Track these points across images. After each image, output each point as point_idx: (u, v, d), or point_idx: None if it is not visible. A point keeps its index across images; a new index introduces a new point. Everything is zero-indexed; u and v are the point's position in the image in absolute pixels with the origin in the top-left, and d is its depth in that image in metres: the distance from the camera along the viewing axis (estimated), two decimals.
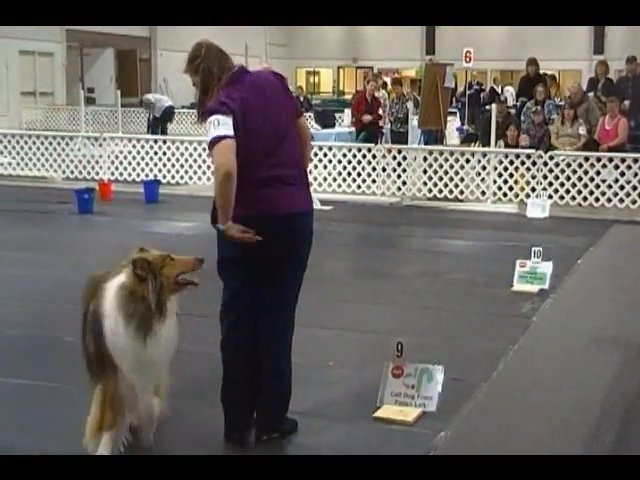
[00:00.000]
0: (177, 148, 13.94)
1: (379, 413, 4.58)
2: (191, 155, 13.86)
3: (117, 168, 14.11)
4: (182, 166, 13.86)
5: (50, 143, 14.45)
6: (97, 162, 14.20)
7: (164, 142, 14.17)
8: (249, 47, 33.50)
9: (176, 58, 25.07)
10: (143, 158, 14.00)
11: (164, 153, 13.93)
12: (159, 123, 19.17)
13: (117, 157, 14.16)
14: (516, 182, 12.51)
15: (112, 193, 12.68)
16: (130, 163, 14.05)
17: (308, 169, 4.20)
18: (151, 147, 14.00)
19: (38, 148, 14.47)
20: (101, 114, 24.06)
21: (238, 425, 4.18)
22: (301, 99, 21.53)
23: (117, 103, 17.43)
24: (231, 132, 3.81)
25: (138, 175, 13.90)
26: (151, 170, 13.92)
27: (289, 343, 4.21)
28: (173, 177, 13.87)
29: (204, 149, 13.84)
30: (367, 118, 14.81)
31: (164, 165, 13.90)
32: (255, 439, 4.18)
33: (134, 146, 14.16)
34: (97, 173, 14.11)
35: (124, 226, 10.54)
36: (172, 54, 29.91)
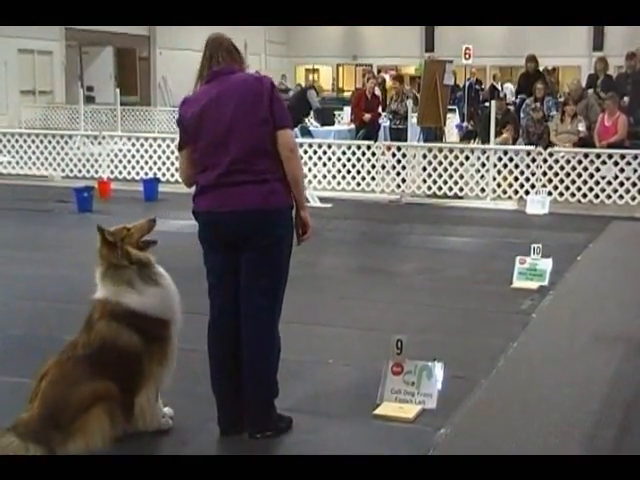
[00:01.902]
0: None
1: (379, 410, 4.58)
2: None
3: (116, 166, 14.11)
4: None
5: (49, 142, 14.44)
6: (96, 160, 14.19)
7: (163, 140, 14.16)
8: (248, 45, 33.47)
9: (175, 56, 25.44)
10: (142, 156, 14.00)
11: (163, 151, 13.92)
12: None
13: (116, 155, 14.16)
14: (505, 179, 12.52)
15: (111, 191, 12.68)
16: (129, 161, 14.05)
17: (296, 178, 4.15)
18: (150, 145, 14.00)
19: (37, 147, 14.47)
20: (100, 112, 24.05)
21: (230, 415, 4.20)
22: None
23: (116, 101, 17.42)
24: (178, 145, 4.25)
25: (137, 173, 13.90)
26: (150, 168, 13.91)
27: (264, 336, 4.14)
28: (172, 175, 13.85)
29: None
30: (367, 117, 14.83)
31: (163, 163, 13.89)
32: (249, 436, 4.17)
33: (133, 144, 14.16)
34: (96, 171, 14.10)
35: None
36: (171, 52, 29.92)
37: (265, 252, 4.07)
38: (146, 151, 13.99)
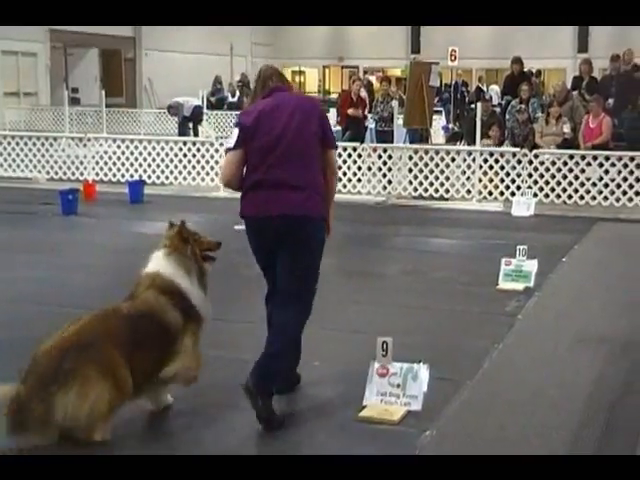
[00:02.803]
0: (162, 148, 13.88)
1: (365, 412, 4.58)
2: (176, 155, 13.81)
3: (102, 168, 14.05)
4: (167, 166, 13.81)
5: (34, 144, 14.36)
6: (81, 163, 14.12)
7: (149, 142, 14.12)
8: (234, 47, 33.50)
9: (161, 58, 25.24)
10: (128, 158, 13.95)
11: (149, 153, 13.87)
12: (188, 122, 19.38)
13: (102, 157, 14.10)
14: (491, 180, 12.56)
15: (96, 194, 12.63)
16: (115, 163, 13.99)
17: (333, 193, 4.74)
18: (136, 147, 13.94)
19: (22, 149, 14.38)
20: (86, 114, 23.96)
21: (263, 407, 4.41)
22: None
23: (102, 103, 17.37)
24: (232, 145, 4.59)
25: (123, 175, 13.85)
26: (136, 170, 13.86)
27: (293, 327, 4.67)
28: (158, 177, 13.82)
29: (189, 149, 13.82)
30: (352, 111, 14.86)
31: (149, 165, 13.85)
32: (276, 392, 4.53)
33: (119, 146, 14.10)
34: (81, 174, 14.03)
35: (108, 227, 10.50)
36: (157, 54, 29.86)
37: (297, 255, 4.55)
38: (132, 153, 13.94)
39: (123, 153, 13.98)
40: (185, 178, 13.77)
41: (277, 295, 4.64)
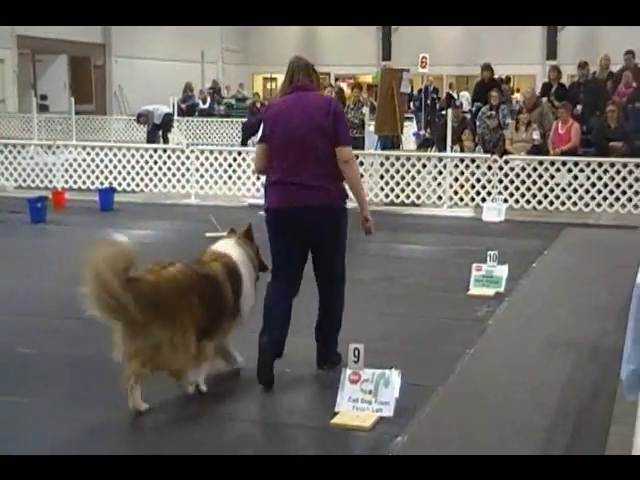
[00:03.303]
0: (132, 155, 13.80)
1: (337, 419, 4.57)
2: (147, 162, 13.73)
3: (71, 176, 13.92)
4: (138, 174, 13.73)
5: (1, 151, 14.19)
6: (50, 170, 13.97)
7: (119, 149, 14.02)
8: (205, 53, 33.41)
9: (131, 65, 25.03)
10: (98, 166, 13.84)
11: (119, 161, 13.78)
12: (158, 130, 19.18)
13: (71, 165, 13.97)
14: (462, 186, 12.64)
15: (66, 202, 12.51)
16: (85, 171, 13.87)
17: (353, 183, 5.23)
18: (106, 154, 13.84)
19: None
20: (55, 121, 23.72)
21: (264, 364, 5.03)
22: (258, 105, 21.47)
23: (71, 110, 17.21)
24: (259, 138, 5.21)
25: (93, 183, 13.74)
26: (106, 178, 13.76)
27: (339, 297, 5.40)
28: (129, 185, 13.72)
29: (160, 156, 13.75)
30: None
31: (119, 173, 13.75)
32: (319, 366, 5.32)
33: (89, 154, 13.99)
34: (50, 181, 13.89)
35: (78, 235, 10.38)
36: (127, 61, 29.69)
37: (322, 242, 5.15)
38: (102, 160, 13.84)
39: (93, 160, 13.87)
40: (156, 185, 13.69)
41: (317, 273, 5.28)
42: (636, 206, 11.86)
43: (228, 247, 5.13)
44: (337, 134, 5.04)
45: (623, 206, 11.97)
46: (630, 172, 11.88)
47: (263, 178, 5.44)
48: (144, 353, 4.50)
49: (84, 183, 13.84)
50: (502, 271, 7.42)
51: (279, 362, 5.31)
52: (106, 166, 13.81)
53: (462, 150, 13.29)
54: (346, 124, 5.29)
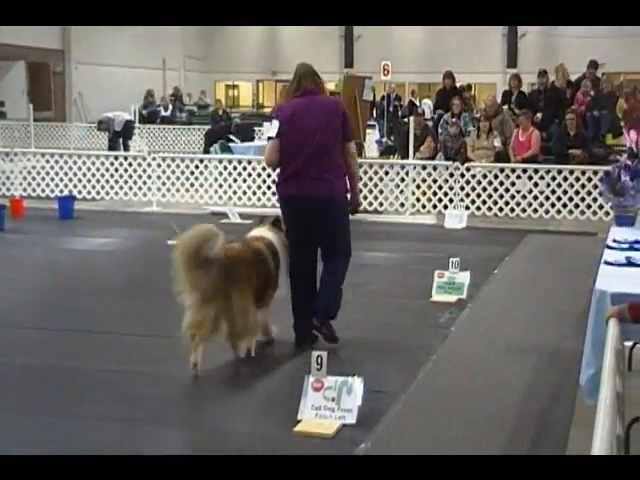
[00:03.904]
0: (93, 163, 13.65)
1: (299, 427, 4.55)
2: (107, 170, 13.60)
3: (30, 184, 13.74)
4: (98, 181, 13.59)
5: None
6: (8, 178, 13.77)
7: (79, 157, 13.87)
8: (167, 60, 33.26)
9: (92, 72, 24.74)
10: (57, 173, 13.67)
11: (79, 168, 13.63)
12: (119, 138, 18.93)
13: (30, 173, 13.79)
14: (424, 193, 12.70)
15: (24, 210, 12.32)
16: (44, 179, 13.70)
17: (355, 175, 6.19)
18: (65, 162, 13.68)
19: None
20: (12, 129, 23.42)
21: (301, 327, 5.98)
22: (220, 112, 21.40)
23: (29, 117, 17.00)
24: (274, 134, 5.83)
25: (52, 191, 13.57)
26: (66, 186, 13.60)
27: (340, 268, 6.04)
28: (89, 193, 13.58)
29: (120, 164, 13.62)
30: None
31: (79, 180, 13.60)
32: (316, 322, 5.94)
33: (48, 161, 13.82)
34: (8, 189, 13.69)
35: (37, 243, 10.25)
36: (87, 67, 29.40)
37: (328, 227, 5.89)
38: (61, 168, 13.67)
39: (52, 168, 13.70)
40: (117, 193, 13.56)
41: (324, 254, 5.97)
42: (595, 212, 12.02)
43: (263, 232, 5.96)
44: (345, 132, 5.90)
45: (582, 213, 12.11)
46: (589, 179, 12.03)
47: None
48: (212, 319, 5.28)
49: (43, 191, 13.66)
50: (464, 278, 7.45)
51: (243, 370, 5.28)
52: (66, 174, 13.65)
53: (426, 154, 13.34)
54: (350, 123, 6.09)
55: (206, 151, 16.89)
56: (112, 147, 18.65)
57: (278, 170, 6.12)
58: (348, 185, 6.03)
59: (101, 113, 20.50)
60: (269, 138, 5.97)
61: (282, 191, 5.96)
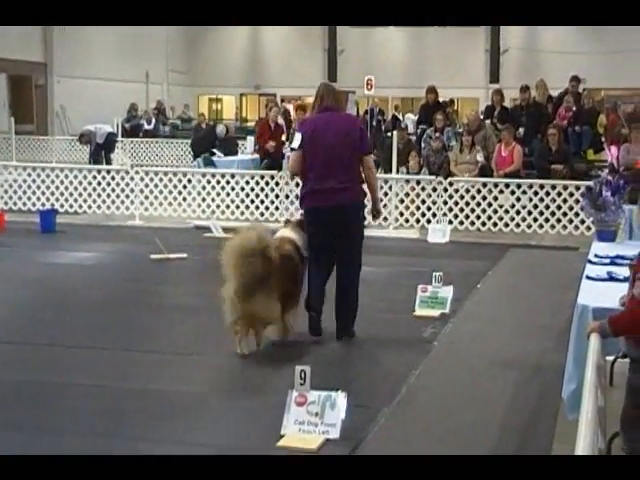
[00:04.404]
0: (75, 176, 13.60)
1: (283, 442, 4.54)
2: (90, 183, 13.54)
3: (11, 197, 13.67)
4: (80, 195, 13.53)
5: None
6: None
7: (61, 170, 13.81)
8: (150, 74, 33.24)
9: (74, 85, 24.61)
10: (39, 187, 13.61)
11: (62, 182, 13.57)
12: (102, 150, 18.83)
13: (11, 186, 13.71)
14: (407, 208, 12.74)
15: (6, 223, 12.25)
16: (25, 192, 13.63)
17: (374, 186, 6.75)
18: (47, 175, 13.62)
19: None
20: None
21: (315, 322, 6.50)
22: (203, 126, 21.38)
23: (11, 130, 16.91)
24: (297, 146, 6.47)
25: (34, 204, 13.50)
26: (48, 199, 13.53)
27: (355, 284, 6.60)
28: (71, 206, 13.52)
29: (103, 177, 13.58)
30: (271, 145, 14.76)
31: (61, 194, 13.54)
32: (337, 337, 6.51)
33: (29, 174, 13.75)
34: None
35: (19, 257, 10.18)
36: (70, 81, 29.30)
37: (350, 231, 6.44)
38: (43, 181, 13.61)
39: (34, 181, 13.64)
40: (99, 207, 13.51)
41: (340, 260, 6.50)
42: (577, 227, 12.09)
43: (291, 234, 6.51)
44: (363, 146, 6.52)
45: (564, 227, 12.19)
46: (571, 194, 12.11)
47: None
48: (251, 313, 5.99)
49: (25, 204, 13.60)
50: (447, 292, 7.47)
51: (226, 384, 5.25)
52: (48, 187, 13.59)
53: (408, 172, 13.39)
54: (368, 137, 6.83)
55: (197, 156, 16.87)
56: (95, 160, 18.57)
57: (300, 184, 6.87)
58: (368, 195, 6.67)
59: (83, 126, 20.43)
60: (292, 149, 6.71)
61: (307, 203, 6.52)
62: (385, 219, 12.76)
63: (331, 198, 6.34)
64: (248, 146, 18.04)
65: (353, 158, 6.42)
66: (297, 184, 13.20)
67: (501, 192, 12.43)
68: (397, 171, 13.03)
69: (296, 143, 6.51)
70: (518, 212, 12.35)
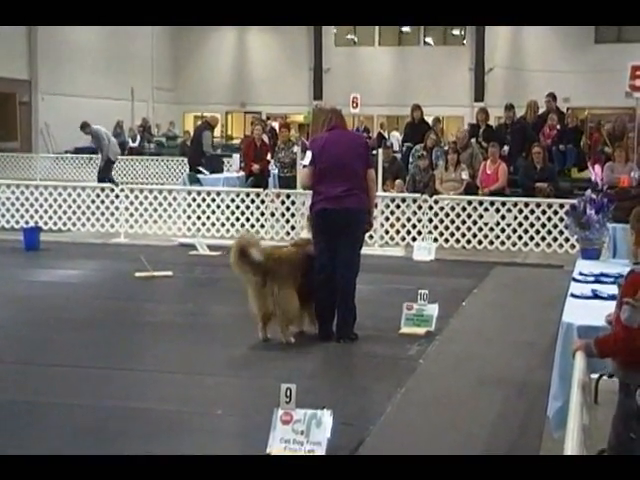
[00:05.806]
0: (60, 194, 13.54)
1: None
2: (74, 201, 13.49)
3: None
4: (65, 212, 13.47)
5: None
6: None
7: (45, 188, 13.76)
8: (135, 91, 33.24)
9: (59, 102, 24.55)
10: (23, 204, 13.53)
11: (45, 199, 13.50)
12: (111, 168, 17.28)
13: None
14: (392, 225, 12.75)
15: None
16: (9, 210, 13.55)
17: (374, 197, 7.62)
18: (32, 193, 13.56)
19: None
20: None
21: (326, 327, 7.04)
22: (188, 143, 21.38)
23: None
24: (308, 162, 7.14)
25: (17, 222, 13.41)
26: (32, 217, 13.46)
27: (352, 285, 7.17)
28: (55, 224, 13.45)
29: (88, 195, 13.54)
30: (257, 168, 14.73)
31: (45, 212, 13.48)
32: (336, 340, 6.93)
33: (13, 192, 13.68)
34: None
35: (1, 275, 10.10)
36: (54, 98, 29.26)
37: (353, 234, 7.05)
38: (27, 199, 13.54)
39: (18, 199, 13.56)
40: (84, 224, 13.45)
41: (340, 261, 7.00)
42: (561, 245, 12.14)
43: (306, 235, 7.38)
44: (368, 161, 7.26)
45: (549, 245, 12.24)
46: (555, 212, 12.17)
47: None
48: (268, 306, 6.74)
49: (8, 222, 13.51)
50: (433, 310, 7.47)
51: (211, 402, 5.22)
52: (32, 204, 13.52)
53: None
54: (371, 153, 7.61)
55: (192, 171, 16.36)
56: (105, 179, 16.52)
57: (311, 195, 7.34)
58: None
59: (67, 144, 20.25)
60: (304, 166, 7.37)
61: (315, 207, 7.09)
62: (371, 237, 12.77)
63: (339, 202, 6.95)
64: (234, 164, 18.00)
65: (359, 169, 7.06)
66: (283, 202, 13.33)
67: (486, 210, 12.48)
68: (382, 189, 13.05)
69: (307, 160, 7.14)
70: (503, 230, 12.39)
